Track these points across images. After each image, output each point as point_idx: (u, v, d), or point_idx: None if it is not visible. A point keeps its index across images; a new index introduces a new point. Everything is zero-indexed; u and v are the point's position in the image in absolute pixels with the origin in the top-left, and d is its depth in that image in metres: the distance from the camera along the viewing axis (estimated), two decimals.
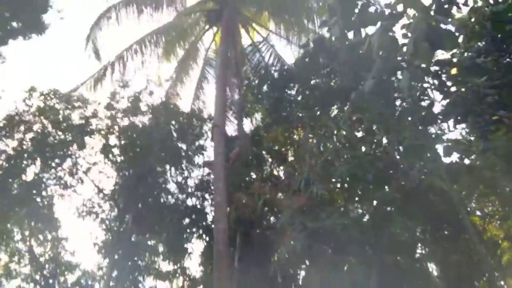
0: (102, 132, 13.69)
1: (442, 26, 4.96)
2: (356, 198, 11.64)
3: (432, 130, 9.95)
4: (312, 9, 16.46)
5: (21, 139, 13.25)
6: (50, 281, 14.44)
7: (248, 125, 17.47)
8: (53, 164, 13.41)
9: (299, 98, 14.69)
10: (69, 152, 13.57)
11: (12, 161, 12.86)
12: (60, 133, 13.52)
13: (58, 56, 45.96)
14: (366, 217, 11.65)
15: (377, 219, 10.90)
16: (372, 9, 6.12)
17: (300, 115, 14.45)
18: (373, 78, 6.18)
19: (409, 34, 5.43)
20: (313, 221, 10.26)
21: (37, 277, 14.69)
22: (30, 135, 13.56)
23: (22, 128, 13.50)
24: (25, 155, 13.18)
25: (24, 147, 13.28)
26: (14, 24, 12.94)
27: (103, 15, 17.88)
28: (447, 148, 9.96)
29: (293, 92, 15.04)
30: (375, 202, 11.13)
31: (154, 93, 14.72)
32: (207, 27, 20.48)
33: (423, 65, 6.20)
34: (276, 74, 16.82)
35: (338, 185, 11.16)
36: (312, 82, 13.10)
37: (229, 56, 17.76)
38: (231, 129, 16.90)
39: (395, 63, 6.27)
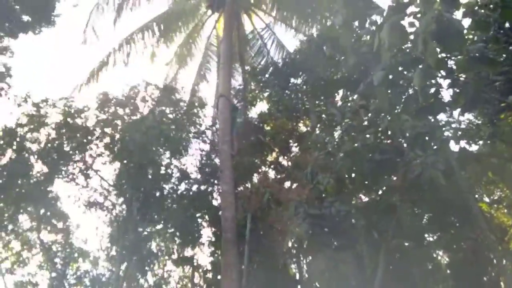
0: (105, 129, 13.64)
1: (451, 20, 4.85)
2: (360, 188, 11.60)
3: (439, 117, 9.87)
4: None
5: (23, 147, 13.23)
6: (62, 268, 14.63)
7: (251, 114, 17.41)
8: (60, 164, 13.41)
9: (304, 87, 14.60)
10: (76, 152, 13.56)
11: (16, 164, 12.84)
12: (64, 138, 13.48)
13: (67, 47, 45.82)
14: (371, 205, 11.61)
15: (381, 206, 10.86)
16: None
17: (305, 104, 14.35)
18: (383, 70, 6.04)
19: (417, 24, 5.33)
20: (317, 209, 10.35)
21: (48, 265, 14.91)
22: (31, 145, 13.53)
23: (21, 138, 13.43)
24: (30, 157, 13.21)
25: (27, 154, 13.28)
26: (24, 17, 12.83)
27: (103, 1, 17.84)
28: (456, 135, 9.87)
29: (298, 81, 14.91)
30: (380, 191, 11.08)
31: (151, 85, 14.48)
32: (209, 12, 20.29)
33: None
34: (280, 62, 16.70)
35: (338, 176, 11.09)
36: (317, 70, 13.00)
37: (233, 42, 17.61)
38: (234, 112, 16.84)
39: (406, 59, 6.13)
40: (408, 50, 6.24)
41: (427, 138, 9.39)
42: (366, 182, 10.74)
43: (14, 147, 13.14)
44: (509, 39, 7.13)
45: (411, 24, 6.09)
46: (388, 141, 10.24)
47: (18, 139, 13.20)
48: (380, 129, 9.88)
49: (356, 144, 9.82)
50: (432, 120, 9.62)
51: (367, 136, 10.00)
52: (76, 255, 15.46)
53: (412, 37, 5.57)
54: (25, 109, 13.63)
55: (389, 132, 9.77)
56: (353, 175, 10.26)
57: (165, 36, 19.56)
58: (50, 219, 15.03)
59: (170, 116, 13.91)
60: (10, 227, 14.30)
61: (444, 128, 10.12)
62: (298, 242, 11.84)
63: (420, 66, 5.51)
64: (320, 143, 11.35)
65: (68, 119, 13.53)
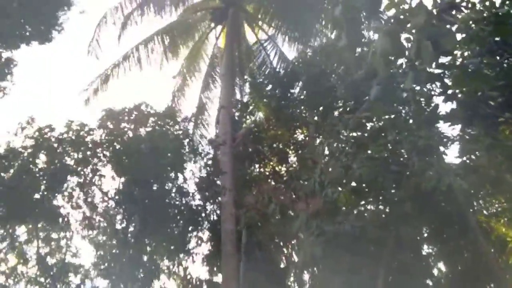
0: (106, 145, 13.65)
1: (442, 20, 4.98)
2: (371, 199, 11.52)
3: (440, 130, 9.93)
4: (318, 9, 16.34)
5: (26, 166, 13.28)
6: (56, 283, 14.43)
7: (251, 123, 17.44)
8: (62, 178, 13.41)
9: (303, 97, 14.66)
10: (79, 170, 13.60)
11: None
12: (66, 155, 13.52)
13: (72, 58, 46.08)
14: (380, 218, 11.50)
15: (391, 219, 10.79)
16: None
17: (304, 114, 14.38)
18: (378, 84, 6.12)
19: (412, 38, 5.41)
20: (330, 225, 10.08)
21: (42, 279, 14.66)
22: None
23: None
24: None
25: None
26: (28, 28, 12.92)
27: (109, 14, 18.07)
28: (462, 148, 9.90)
29: (296, 90, 14.97)
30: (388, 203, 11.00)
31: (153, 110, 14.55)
32: (212, 25, 20.48)
33: (427, 68, 6.15)
34: (281, 72, 16.80)
35: (354, 188, 10.88)
36: (317, 81, 13.07)
37: (235, 54, 17.77)
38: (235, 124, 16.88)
39: (398, 67, 6.24)
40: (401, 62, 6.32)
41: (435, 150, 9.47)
42: (382, 194, 10.68)
43: (18, 165, 13.19)
44: (504, 53, 7.20)
45: (408, 40, 6.21)
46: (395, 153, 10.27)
47: (21, 160, 13.25)
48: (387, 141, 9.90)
49: (370, 153, 9.81)
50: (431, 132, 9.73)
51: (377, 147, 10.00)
52: (71, 269, 15.21)
53: (405, 43, 5.65)
54: (29, 131, 13.74)
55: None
56: (372, 184, 10.10)
57: (171, 49, 19.72)
58: (49, 232, 14.84)
59: (171, 133, 13.82)
60: (7, 241, 14.17)
61: (445, 140, 10.19)
62: (310, 262, 11.52)
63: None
64: (322, 154, 11.34)
65: (71, 135, 13.55)
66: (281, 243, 13.06)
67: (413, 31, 5.68)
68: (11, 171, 13.15)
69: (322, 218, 10.48)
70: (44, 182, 13.13)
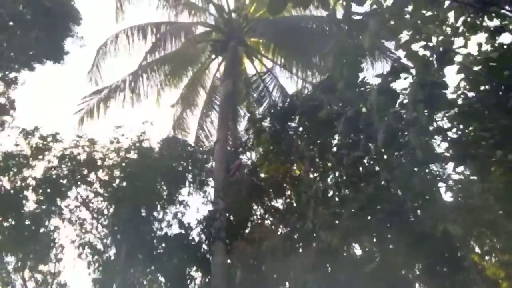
0: (106, 170, 13.69)
1: (434, 84, 5.22)
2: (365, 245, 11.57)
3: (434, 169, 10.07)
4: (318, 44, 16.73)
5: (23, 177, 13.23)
6: None
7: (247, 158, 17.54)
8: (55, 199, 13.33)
9: (300, 129, 14.80)
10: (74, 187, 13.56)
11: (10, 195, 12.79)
12: (64, 167, 13.51)
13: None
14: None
15: (386, 262, 10.82)
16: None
17: (299, 147, 14.49)
18: (384, 133, 6.26)
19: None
20: (326, 279, 10.24)
21: None
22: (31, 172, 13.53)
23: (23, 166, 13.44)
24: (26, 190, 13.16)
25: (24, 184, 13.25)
26: (32, 52, 13.09)
27: (110, 41, 18.37)
28: (451, 188, 10.04)
29: (293, 124, 15.13)
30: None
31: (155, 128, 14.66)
32: (213, 56, 20.84)
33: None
34: (278, 106, 17.01)
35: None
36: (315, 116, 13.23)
37: (232, 87, 18.03)
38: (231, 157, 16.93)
39: (398, 121, 6.40)
40: (399, 113, 6.51)
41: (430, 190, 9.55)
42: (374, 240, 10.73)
43: (11, 174, 13.10)
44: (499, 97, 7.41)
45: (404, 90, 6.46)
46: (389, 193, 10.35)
47: (15, 168, 13.13)
48: (382, 181, 9.98)
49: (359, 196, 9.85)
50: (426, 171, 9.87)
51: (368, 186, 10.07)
52: None
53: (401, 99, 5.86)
54: (32, 141, 13.71)
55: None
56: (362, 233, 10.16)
57: (170, 78, 19.95)
58: (38, 260, 14.50)
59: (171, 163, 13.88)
60: None
61: (438, 180, 10.32)
62: None
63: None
64: (316, 190, 11.36)
65: (73, 151, 13.53)
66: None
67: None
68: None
69: (316, 269, 10.59)
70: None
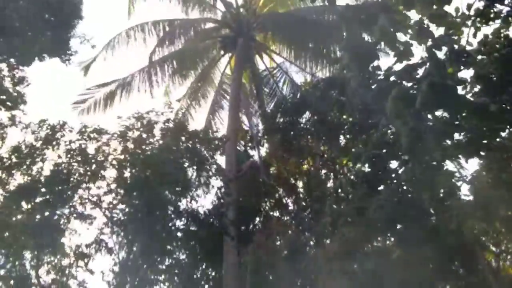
0: (114, 162, 13.50)
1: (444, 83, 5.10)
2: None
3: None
4: (327, 37, 16.46)
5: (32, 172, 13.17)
6: None
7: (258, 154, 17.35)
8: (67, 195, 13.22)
9: (310, 127, 14.66)
10: (84, 183, 13.41)
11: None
12: (75, 163, 13.40)
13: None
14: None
15: (410, 258, 10.75)
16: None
17: (311, 144, 14.34)
18: (406, 137, 6.12)
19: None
20: (350, 265, 10.23)
21: None
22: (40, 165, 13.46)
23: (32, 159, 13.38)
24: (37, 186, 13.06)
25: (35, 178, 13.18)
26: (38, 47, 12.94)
27: (117, 37, 18.39)
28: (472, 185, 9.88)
29: (303, 121, 14.94)
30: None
31: (165, 115, 14.33)
32: (222, 52, 20.65)
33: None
34: (289, 101, 16.82)
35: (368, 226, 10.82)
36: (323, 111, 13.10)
37: (242, 84, 17.86)
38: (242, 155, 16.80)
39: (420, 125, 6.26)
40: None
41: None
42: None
43: (24, 168, 13.10)
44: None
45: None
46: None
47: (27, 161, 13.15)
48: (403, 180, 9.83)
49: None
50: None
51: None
52: None
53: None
54: (41, 134, 13.67)
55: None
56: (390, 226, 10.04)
57: (178, 74, 19.75)
58: (51, 257, 14.40)
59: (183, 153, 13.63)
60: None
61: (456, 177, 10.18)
62: None
63: None
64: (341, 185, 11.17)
65: (83, 143, 13.49)
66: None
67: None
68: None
69: (341, 258, 10.50)
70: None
